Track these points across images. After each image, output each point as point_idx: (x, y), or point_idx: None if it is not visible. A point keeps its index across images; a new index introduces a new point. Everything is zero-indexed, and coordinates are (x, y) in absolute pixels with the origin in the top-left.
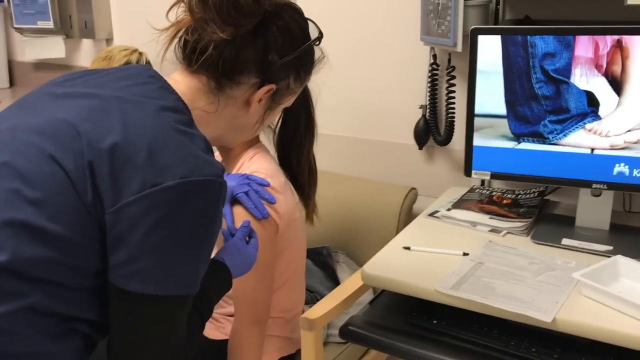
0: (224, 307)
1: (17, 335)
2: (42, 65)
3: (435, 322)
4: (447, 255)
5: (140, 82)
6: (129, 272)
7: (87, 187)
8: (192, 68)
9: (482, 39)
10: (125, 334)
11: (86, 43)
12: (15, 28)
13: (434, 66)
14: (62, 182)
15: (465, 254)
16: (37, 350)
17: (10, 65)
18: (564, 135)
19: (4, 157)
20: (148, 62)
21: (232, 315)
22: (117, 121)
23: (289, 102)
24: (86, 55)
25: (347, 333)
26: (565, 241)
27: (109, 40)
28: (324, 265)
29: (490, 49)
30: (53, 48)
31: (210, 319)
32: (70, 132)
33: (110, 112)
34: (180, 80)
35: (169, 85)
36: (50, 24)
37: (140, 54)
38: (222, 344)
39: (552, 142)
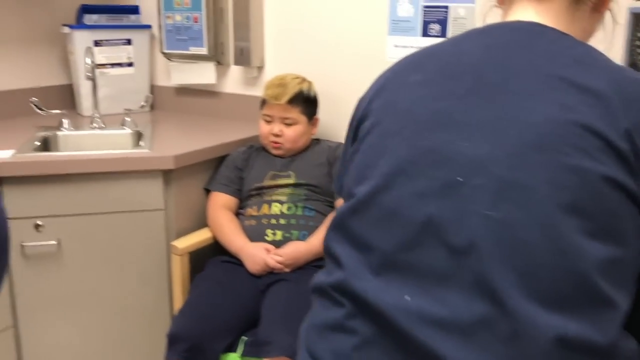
0: None
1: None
2: (184, 91)
3: None
4: None
5: (554, 41)
6: None
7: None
8: None
9: None
10: None
11: (234, 70)
12: (164, 53)
13: None
14: (607, 191)
15: None
16: None
17: (151, 89)
18: None
19: (512, 192)
20: (315, 93)
21: None
22: (604, 99)
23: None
24: (234, 82)
25: None
26: None
27: (260, 68)
28: None
29: None
30: (203, 74)
31: None
32: (576, 131)
33: (581, 88)
34: (537, 15)
35: (557, 30)
36: (203, 50)
37: (310, 83)
38: None
39: None
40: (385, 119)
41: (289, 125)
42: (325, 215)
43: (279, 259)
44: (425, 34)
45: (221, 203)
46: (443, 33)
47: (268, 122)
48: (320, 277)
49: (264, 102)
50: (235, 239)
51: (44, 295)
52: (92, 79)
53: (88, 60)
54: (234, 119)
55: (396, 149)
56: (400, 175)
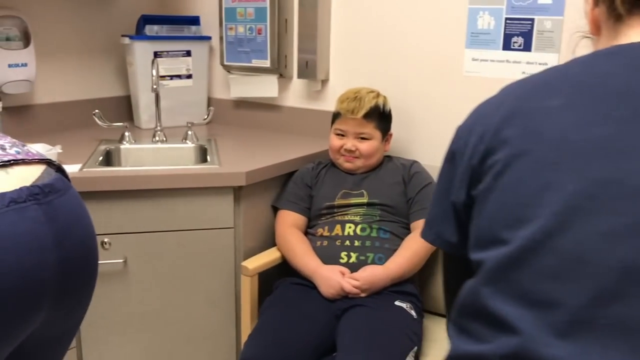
0: None
1: None
2: (242, 104)
3: None
4: None
5: None
6: None
7: None
8: None
9: None
10: None
11: (297, 83)
12: (224, 65)
13: None
14: None
15: None
16: None
17: (208, 101)
18: None
19: None
20: (390, 108)
21: None
22: None
23: None
24: (296, 95)
25: None
26: None
27: (324, 81)
28: None
29: None
30: (265, 87)
31: None
32: None
33: None
34: None
35: None
36: (267, 63)
37: (384, 97)
38: None
39: None
40: (532, 148)
41: (363, 140)
42: (400, 237)
43: (356, 283)
44: (507, 47)
45: (290, 222)
46: (527, 47)
47: (341, 136)
48: (469, 347)
49: (336, 116)
50: (308, 261)
51: (108, 314)
52: (157, 91)
53: (154, 72)
54: (296, 133)
55: (561, 182)
56: (577, 213)
